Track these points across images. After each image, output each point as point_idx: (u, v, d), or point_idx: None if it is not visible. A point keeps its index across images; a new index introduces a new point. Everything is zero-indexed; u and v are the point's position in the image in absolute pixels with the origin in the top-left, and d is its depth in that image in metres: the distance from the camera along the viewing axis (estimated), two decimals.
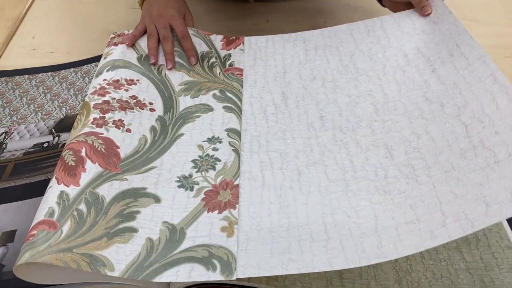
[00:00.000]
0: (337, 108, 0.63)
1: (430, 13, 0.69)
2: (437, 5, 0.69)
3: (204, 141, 0.62)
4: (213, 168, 0.59)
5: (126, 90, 0.66)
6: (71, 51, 0.88)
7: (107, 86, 0.66)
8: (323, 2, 0.97)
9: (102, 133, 0.59)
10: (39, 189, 0.63)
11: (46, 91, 0.79)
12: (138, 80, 0.68)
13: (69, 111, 0.74)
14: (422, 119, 0.57)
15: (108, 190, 0.54)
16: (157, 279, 0.48)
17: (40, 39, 0.93)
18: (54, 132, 0.71)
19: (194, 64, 0.73)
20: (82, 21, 0.97)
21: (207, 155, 0.60)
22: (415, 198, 0.50)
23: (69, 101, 0.76)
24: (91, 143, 0.57)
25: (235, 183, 0.57)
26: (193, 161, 0.60)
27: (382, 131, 0.58)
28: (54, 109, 0.75)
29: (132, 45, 0.74)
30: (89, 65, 0.83)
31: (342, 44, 0.73)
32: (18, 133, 0.71)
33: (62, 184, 0.53)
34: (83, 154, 0.56)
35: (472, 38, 0.61)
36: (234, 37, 0.78)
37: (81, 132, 0.59)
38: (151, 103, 0.66)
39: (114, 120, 0.61)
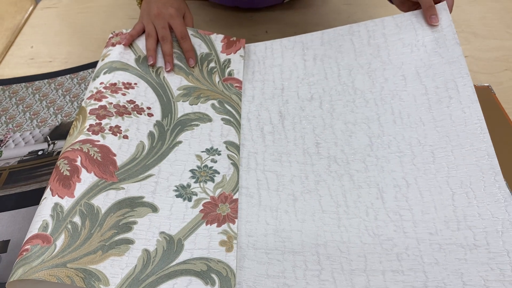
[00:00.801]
0: (333, 136, 0.64)
1: (436, 25, 0.67)
2: (445, 27, 0.67)
3: (202, 152, 0.61)
4: (212, 180, 0.58)
5: (124, 95, 0.65)
6: (69, 61, 0.88)
7: (104, 90, 0.64)
8: (322, 15, 0.98)
9: (98, 141, 0.58)
10: (33, 198, 0.62)
11: (42, 98, 0.78)
12: (136, 83, 0.67)
13: (64, 118, 0.73)
14: (413, 165, 0.59)
15: (103, 201, 0.53)
16: None
17: (38, 49, 0.92)
18: (49, 139, 0.70)
19: (193, 67, 0.72)
20: (81, 31, 0.97)
21: (206, 166, 0.59)
22: (401, 248, 0.53)
23: (65, 108, 0.75)
24: (86, 151, 0.56)
25: (234, 197, 0.56)
26: (191, 171, 0.59)
27: (375, 169, 0.60)
28: (49, 116, 0.74)
29: (130, 45, 0.72)
30: (86, 71, 0.83)
31: (342, 53, 0.72)
32: (13, 141, 0.70)
33: (57, 195, 0.52)
34: (78, 163, 0.55)
35: (473, 90, 0.62)
36: (234, 39, 0.77)
37: (76, 140, 0.58)
38: (149, 108, 0.65)
39: (110, 127, 0.60)
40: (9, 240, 0.58)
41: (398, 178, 0.58)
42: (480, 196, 0.54)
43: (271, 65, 0.74)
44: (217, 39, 0.77)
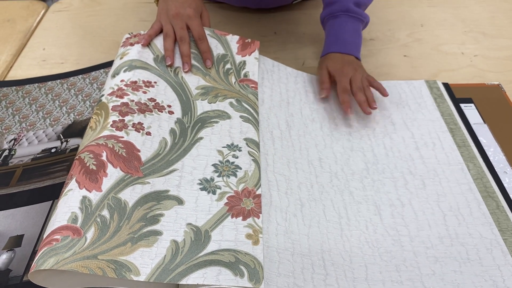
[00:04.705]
0: (332, 155, 0.69)
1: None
2: (425, 95, 0.79)
3: (223, 147, 0.62)
4: (234, 174, 0.58)
5: (145, 92, 0.66)
6: (80, 62, 0.89)
7: (125, 87, 0.65)
8: None
9: (122, 137, 0.59)
10: (47, 194, 0.63)
11: (54, 98, 0.79)
12: (155, 82, 0.68)
13: (77, 117, 0.74)
14: (406, 190, 0.65)
15: (130, 195, 0.53)
16: (184, 281, 0.47)
17: (50, 51, 0.94)
18: (62, 137, 0.71)
19: (210, 68, 0.73)
20: (92, 33, 0.98)
21: (227, 161, 0.60)
22: (399, 260, 0.57)
23: (77, 107, 0.77)
24: (111, 147, 0.57)
25: (257, 193, 0.57)
26: (214, 165, 0.59)
27: (372, 189, 0.65)
28: (62, 115, 0.75)
29: (148, 44, 0.73)
30: (98, 71, 0.84)
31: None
32: (26, 139, 0.72)
33: (84, 188, 0.52)
34: (104, 158, 0.56)
35: (454, 142, 0.71)
36: (249, 40, 0.78)
37: (101, 135, 0.58)
38: (169, 106, 0.66)
39: (133, 123, 0.61)
40: (23, 234, 0.59)
41: (393, 199, 0.64)
42: (468, 219, 0.61)
43: (278, 80, 0.78)
44: (233, 40, 0.78)
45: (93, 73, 0.84)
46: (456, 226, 0.60)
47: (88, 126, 0.61)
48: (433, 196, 0.64)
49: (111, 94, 0.65)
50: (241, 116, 0.66)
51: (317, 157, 0.68)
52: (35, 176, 0.66)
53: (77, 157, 0.57)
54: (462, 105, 0.77)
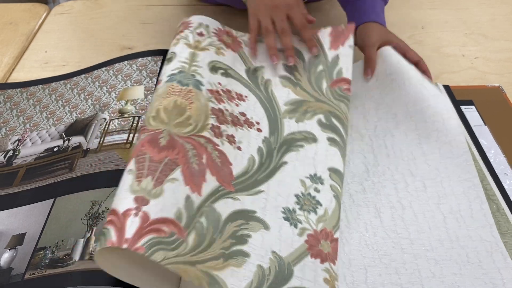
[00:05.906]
0: None
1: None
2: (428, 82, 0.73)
3: (306, 177, 0.61)
4: (315, 211, 0.58)
5: (237, 105, 0.65)
6: (82, 64, 0.89)
7: (222, 94, 0.64)
8: (331, 18, 0.98)
9: (218, 145, 0.58)
10: (48, 193, 0.63)
11: (58, 98, 0.80)
12: (246, 96, 0.67)
13: (79, 115, 0.75)
14: (407, 192, 0.64)
15: (223, 208, 0.53)
16: None
17: (52, 53, 0.94)
18: (64, 136, 0.72)
19: (301, 76, 0.70)
20: (93, 36, 0.98)
21: (309, 194, 0.59)
22: (399, 263, 0.57)
23: (80, 105, 0.77)
24: (210, 152, 0.56)
25: (334, 236, 0.56)
26: (296, 196, 0.59)
27: (372, 191, 0.65)
28: (65, 114, 0.76)
29: (239, 53, 0.71)
30: (99, 69, 0.84)
31: None
32: (30, 139, 0.72)
33: (188, 187, 0.51)
34: (204, 161, 0.55)
35: (459, 122, 0.69)
36: (343, 27, 0.74)
37: (201, 134, 0.57)
38: (258, 123, 0.65)
39: (227, 135, 0.60)
40: (25, 233, 0.59)
41: (393, 201, 0.63)
42: (469, 221, 0.60)
43: None
44: (324, 34, 0.74)
45: (95, 71, 0.84)
46: (457, 228, 0.60)
47: (179, 96, 0.59)
48: (434, 198, 0.63)
49: (211, 91, 0.63)
50: (328, 139, 0.65)
51: None
52: (38, 175, 0.66)
53: (161, 129, 0.55)
54: (462, 107, 0.77)
